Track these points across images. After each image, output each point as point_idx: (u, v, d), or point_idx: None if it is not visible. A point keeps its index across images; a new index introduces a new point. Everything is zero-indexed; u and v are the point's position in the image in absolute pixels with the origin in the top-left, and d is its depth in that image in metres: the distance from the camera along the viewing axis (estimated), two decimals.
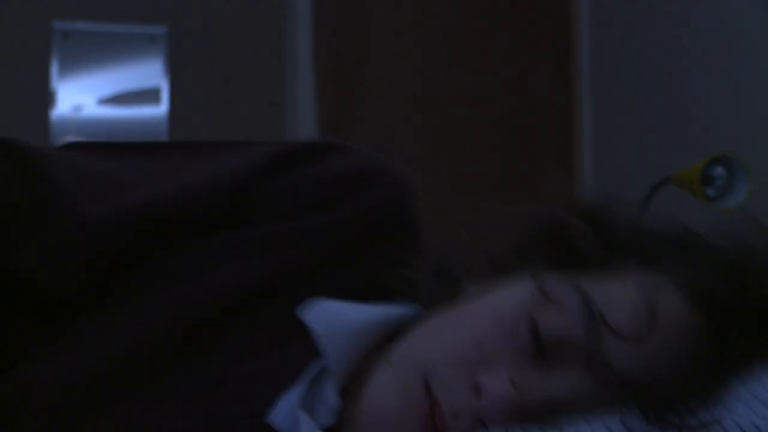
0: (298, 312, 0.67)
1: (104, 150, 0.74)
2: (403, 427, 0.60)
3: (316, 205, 0.70)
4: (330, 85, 2.88)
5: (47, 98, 2.55)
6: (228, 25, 2.73)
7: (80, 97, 2.60)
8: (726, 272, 0.61)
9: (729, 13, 2.24)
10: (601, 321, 0.59)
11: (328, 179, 0.71)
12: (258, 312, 0.70)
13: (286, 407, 0.67)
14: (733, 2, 2.25)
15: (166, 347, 0.67)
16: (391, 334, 0.69)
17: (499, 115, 2.79)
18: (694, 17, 2.38)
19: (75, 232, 0.64)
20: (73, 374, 0.65)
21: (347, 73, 2.91)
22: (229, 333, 0.69)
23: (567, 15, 2.94)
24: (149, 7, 2.67)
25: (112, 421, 0.64)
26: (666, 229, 0.68)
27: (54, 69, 2.57)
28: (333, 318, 0.68)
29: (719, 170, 1.85)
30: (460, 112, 2.80)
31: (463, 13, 2.90)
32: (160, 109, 2.63)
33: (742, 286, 0.60)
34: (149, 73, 2.66)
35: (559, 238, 0.67)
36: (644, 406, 0.56)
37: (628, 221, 0.68)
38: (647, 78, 2.53)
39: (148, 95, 2.62)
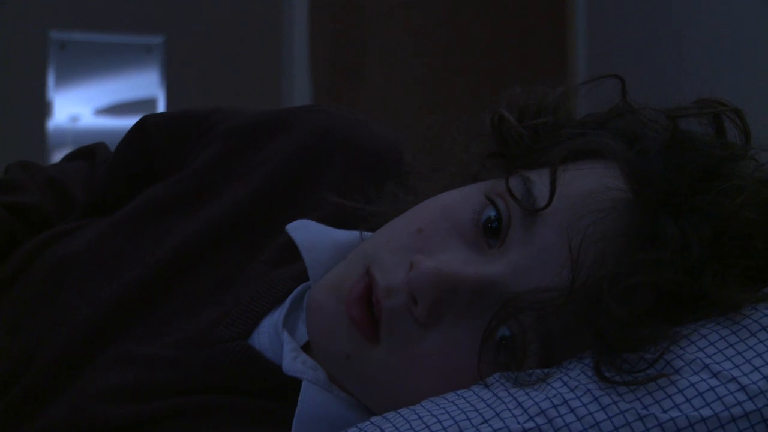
0: (286, 228, 0.70)
1: None
2: (334, 318, 0.60)
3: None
4: (327, 94, 2.88)
5: (44, 108, 2.56)
6: (225, 35, 2.73)
7: (77, 108, 2.60)
8: (662, 151, 0.60)
9: (729, 20, 2.25)
10: (528, 198, 0.59)
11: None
12: (244, 237, 0.73)
13: (268, 327, 0.68)
14: (733, 10, 2.25)
15: (157, 282, 0.71)
16: None
17: None
18: (694, 17, 2.38)
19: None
20: (76, 320, 0.70)
21: (344, 82, 2.92)
22: (213, 261, 0.72)
23: (565, 19, 2.95)
24: (146, 18, 2.67)
25: (110, 357, 0.69)
26: (612, 117, 0.67)
27: (50, 79, 2.57)
28: (314, 232, 0.70)
29: None
30: (460, 118, 2.80)
31: (461, 20, 2.91)
32: None
33: (676, 165, 0.58)
34: (146, 83, 2.66)
35: (503, 142, 0.68)
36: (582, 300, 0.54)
37: (571, 115, 0.68)
38: (645, 81, 2.53)
39: (145, 105, 2.62)
